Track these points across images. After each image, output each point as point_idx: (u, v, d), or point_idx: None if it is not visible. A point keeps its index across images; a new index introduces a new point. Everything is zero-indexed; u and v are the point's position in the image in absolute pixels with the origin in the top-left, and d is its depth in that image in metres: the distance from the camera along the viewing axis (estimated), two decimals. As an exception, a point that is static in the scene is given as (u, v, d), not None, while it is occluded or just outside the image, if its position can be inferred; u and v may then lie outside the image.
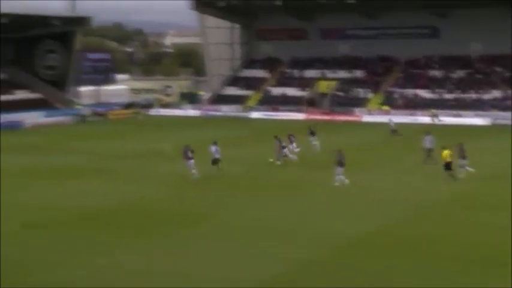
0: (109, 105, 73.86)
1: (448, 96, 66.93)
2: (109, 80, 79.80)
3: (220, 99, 75.40)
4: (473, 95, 65.88)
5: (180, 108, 75.13)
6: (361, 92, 70.80)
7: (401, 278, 17.86)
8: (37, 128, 59.00)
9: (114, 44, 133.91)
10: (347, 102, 69.40)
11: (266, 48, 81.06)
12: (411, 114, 62.88)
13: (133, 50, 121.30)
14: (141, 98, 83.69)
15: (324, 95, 72.58)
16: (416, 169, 34.57)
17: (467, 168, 31.66)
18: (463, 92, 66.71)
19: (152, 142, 47.21)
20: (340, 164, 30.07)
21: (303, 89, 73.64)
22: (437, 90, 67.87)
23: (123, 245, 21.16)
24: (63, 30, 69.81)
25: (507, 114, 59.98)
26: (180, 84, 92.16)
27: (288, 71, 78.07)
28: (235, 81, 78.79)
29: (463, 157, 31.67)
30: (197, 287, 17.51)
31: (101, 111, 70.27)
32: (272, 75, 77.86)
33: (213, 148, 34.49)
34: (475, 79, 68.24)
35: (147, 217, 25.11)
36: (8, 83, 68.46)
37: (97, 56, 79.74)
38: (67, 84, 71.66)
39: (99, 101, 76.32)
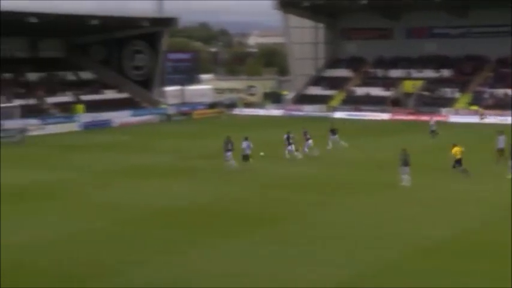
0: (193, 105, 75.00)
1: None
2: (194, 80, 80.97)
3: (303, 99, 75.19)
4: None
5: (263, 108, 75.38)
6: (448, 92, 69.04)
7: (487, 283, 17.25)
8: (124, 127, 60.58)
9: (199, 44, 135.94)
10: (433, 102, 67.79)
11: (350, 48, 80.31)
12: (502, 115, 60.88)
13: (218, 50, 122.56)
14: (225, 97, 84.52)
15: (409, 94, 71.28)
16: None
17: None
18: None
19: (235, 141, 47.39)
20: (405, 163, 29.83)
21: (388, 89, 72.49)
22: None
23: (200, 244, 21.30)
24: (151, 31, 71.34)
25: None
26: (264, 84, 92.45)
27: (372, 70, 77.08)
28: (318, 81, 78.40)
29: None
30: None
31: (186, 110, 71.47)
32: (356, 74, 77.04)
33: (245, 144, 35.34)
34: None
35: (226, 217, 25.23)
36: (97, 83, 70.67)
37: (182, 56, 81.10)
38: (153, 84, 73.20)
39: (184, 101, 77.59)
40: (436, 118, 53.75)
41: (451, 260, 19.38)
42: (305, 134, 39.98)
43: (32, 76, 66.42)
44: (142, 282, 17.95)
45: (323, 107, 71.43)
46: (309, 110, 70.81)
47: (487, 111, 62.08)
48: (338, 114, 68.10)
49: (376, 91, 72.63)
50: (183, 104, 75.95)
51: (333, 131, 43.07)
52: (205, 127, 60.16)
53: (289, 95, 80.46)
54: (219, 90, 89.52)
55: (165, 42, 73.27)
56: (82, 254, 20.44)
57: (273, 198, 28.45)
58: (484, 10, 69.77)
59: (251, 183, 31.81)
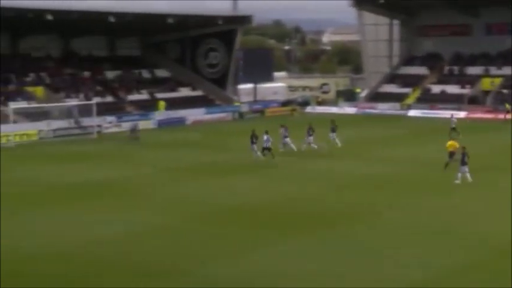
0: (266, 103, 75.19)
1: None
2: (267, 78, 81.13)
3: (377, 97, 74.23)
4: None
5: (336, 106, 74.84)
6: (528, 90, 66.82)
7: None
8: (198, 124, 61.30)
9: (272, 42, 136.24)
10: (513, 100, 65.69)
11: (426, 45, 78.75)
12: None
13: (291, 48, 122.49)
14: (298, 95, 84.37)
15: (487, 92, 69.31)
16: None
17: None
18: None
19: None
20: (463, 162, 29.97)
21: (464, 87, 70.68)
22: None
23: (270, 242, 21.32)
24: (225, 29, 71.92)
25: None
26: (337, 82, 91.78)
27: (448, 67, 75.33)
28: (393, 78, 77.23)
29: None
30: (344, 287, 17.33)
31: (258, 108, 71.72)
32: (432, 72, 75.47)
33: (265, 137, 37.36)
34: None
35: (293, 216, 25.14)
36: (172, 80, 71.82)
37: (256, 54, 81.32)
38: (227, 82, 73.80)
39: (257, 99, 77.89)
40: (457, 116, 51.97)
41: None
42: (308, 130, 41.14)
43: (110, 74, 68.14)
44: (207, 280, 18.00)
45: (397, 105, 70.33)
46: (383, 108, 69.84)
47: None
48: (412, 113, 66.94)
49: (453, 89, 70.96)
50: (256, 101, 76.26)
51: (333, 129, 43.30)
52: (276, 125, 60.03)
53: (362, 92, 79.62)
54: (292, 88, 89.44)
55: (239, 40, 73.71)
56: (150, 250, 20.72)
57: (343, 198, 28.22)
58: None
59: (320, 183, 31.66)
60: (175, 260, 19.65)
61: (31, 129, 50.87)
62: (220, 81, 73.61)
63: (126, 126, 54.48)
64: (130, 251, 20.62)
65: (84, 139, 50.40)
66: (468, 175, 30.00)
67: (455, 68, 74.32)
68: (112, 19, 59.57)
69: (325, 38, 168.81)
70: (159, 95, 66.62)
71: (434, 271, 18.25)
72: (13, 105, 52.20)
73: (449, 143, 34.38)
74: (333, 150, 41.08)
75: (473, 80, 70.98)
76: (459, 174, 30.12)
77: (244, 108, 70.31)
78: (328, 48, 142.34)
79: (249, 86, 78.76)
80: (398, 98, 72.00)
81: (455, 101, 67.93)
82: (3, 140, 47.88)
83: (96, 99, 57.38)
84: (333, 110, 72.86)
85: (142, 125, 57.58)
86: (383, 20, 79.07)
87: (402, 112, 67.55)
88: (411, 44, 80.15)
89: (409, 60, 79.23)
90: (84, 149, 45.16)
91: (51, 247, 20.92)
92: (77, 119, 54.18)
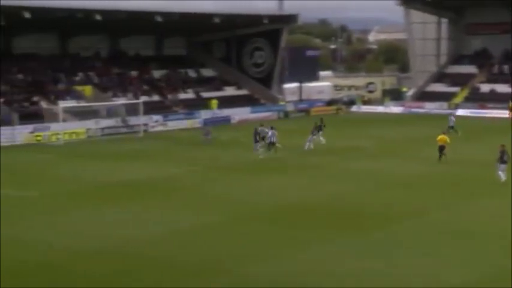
0: (311, 102, 74.99)
1: None
2: (312, 77, 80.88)
3: (424, 96, 73.35)
4: None
5: (382, 105, 74.20)
6: None
7: None
8: (243, 123, 61.45)
9: (318, 41, 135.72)
10: None
11: (475, 43, 77.51)
12: None
13: (337, 47, 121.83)
14: (344, 94, 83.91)
15: (538, 91, 67.87)
16: None
17: None
18: None
19: (352, 139, 47.08)
20: (502, 160, 29.65)
21: (515, 86, 69.37)
22: None
23: (318, 242, 21.26)
24: (271, 28, 71.93)
25: None
26: (383, 81, 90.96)
27: (498, 66, 73.90)
28: (440, 77, 76.19)
29: None
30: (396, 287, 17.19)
31: (303, 107, 71.57)
32: (481, 71, 74.16)
33: (270, 132, 38.88)
34: None
35: (343, 215, 25.04)
36: (217, 80, 72.21)
37: (301, 53, 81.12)
38: (272, 81, 73.81)
39: (302, 98, 77.73)
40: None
41: None
42: (313, 129, 42.11)
43: (156, 74, 68.88)
44: (248, 280, 17.99)
45: (444, 104, 69.33)
46: (430, 107, 68.97)
47: None
48: (460, 112, 65.85)
49: (502, 88, 69.67)
50: (301, 101, 76.12)
51: (319, 127, 43.63)
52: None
53: (409, 92, 78.75)
54: (338, 88, 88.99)
55: (284, 39, 73.68)
56: (194, 250, 20.79)
57: (389, 198, 27.98)
58: None
59: (366, 182, 31.45)
60: (219, 259, 19.73)
61: (80, 127, 51.84)
62: (266, 81, 73.67)
63: (171, 125, 54.90)
64: (175, 250, 20.75)
65: (131, 138, 51.05)
66: (503, 173, 29.60)
67: (505, 67, 72.91)
68: (159, 19, 60.21)
69: (371, 37, 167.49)
70: (205, 94, 67.08)
71: (483, 272, 17.99)
72: (62, 104, 53.18)
73: (440, 137, 35.04)
74: (377, 150, 40.69)
75: (523, 79, 69.61)
76: (500, 173, 29.85)
77: (290, 108, 70.27)
78: (375, 47, 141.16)
79: (295, 85, 78.65)
80: (446, 97, 71.01)
81: (504, 100, 66.63)
82: (53, 139, 48.89)
83: (143, 98, 58.09)
84: (379, 109, 72.37)
85: (188, 124, 58.08)
86: (431, 18, 78.08)
87: (450, 111, 66.48)
88: (459, 43, 78.94)
89: (457, 59, 78.07)
90: (131, 148, 45.71)
91: (99, 245, 21.21)
92: (124, 117, 54.97)
